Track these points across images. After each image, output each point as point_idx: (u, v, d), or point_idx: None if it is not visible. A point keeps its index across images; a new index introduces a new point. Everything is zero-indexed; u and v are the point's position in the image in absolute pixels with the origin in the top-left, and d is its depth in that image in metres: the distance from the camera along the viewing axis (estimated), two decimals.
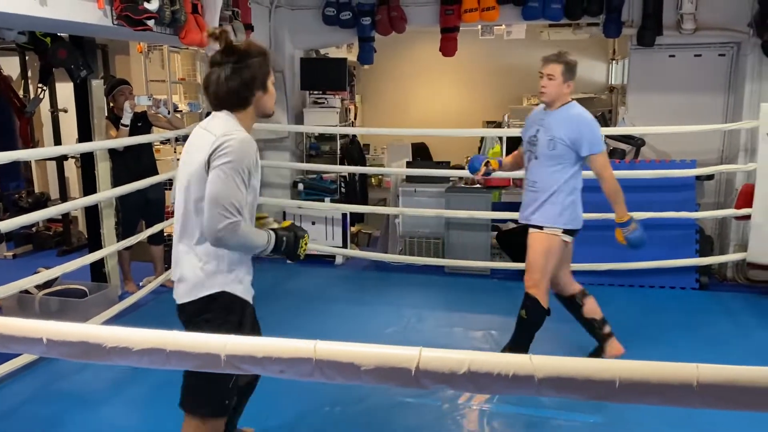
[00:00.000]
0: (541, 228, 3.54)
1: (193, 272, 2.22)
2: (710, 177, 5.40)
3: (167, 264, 5.43)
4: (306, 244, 2.36)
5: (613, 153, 5.52)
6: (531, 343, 3.61)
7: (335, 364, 1.05)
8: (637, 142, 5.46)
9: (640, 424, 3.12)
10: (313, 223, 5.95)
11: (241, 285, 2.29)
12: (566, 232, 3.53)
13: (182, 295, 2.27)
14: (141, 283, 5.18)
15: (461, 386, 1.01)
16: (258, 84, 2.19)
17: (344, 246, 6.00)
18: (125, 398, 3.49)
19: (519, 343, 3.65)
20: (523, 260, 5.40)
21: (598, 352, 3.73)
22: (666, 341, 4.17)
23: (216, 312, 2.24)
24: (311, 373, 1.07)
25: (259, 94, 2.20)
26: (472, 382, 0.99)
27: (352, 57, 6.96)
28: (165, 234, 5.56)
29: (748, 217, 4.94)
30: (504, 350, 3.77)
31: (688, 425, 3.08)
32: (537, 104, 7.81)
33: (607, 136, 5.62)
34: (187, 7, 4.28)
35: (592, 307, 3.75)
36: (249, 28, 5.31)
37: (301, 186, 6.10)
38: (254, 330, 2.50)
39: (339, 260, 6.07)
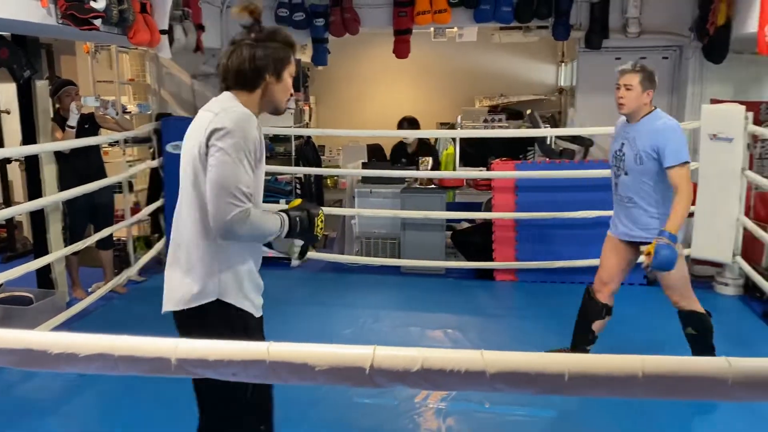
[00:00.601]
0: (639, 242, 3.41)
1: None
2: None
3: (116, 269, 5.31)
4: (322, 222, 2.13)
5: (563, 153, 5.64)
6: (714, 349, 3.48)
7: (289, 365, 1.05)
8: (586, 143, 5.60)
9: (590, 417, 3.19)
10: None
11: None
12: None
13: (180, 299, 2.05)
14: (90, 290, 5.04)
15: (415, 384, 1.02)
16: (271, 68, 1.98)
17: None
18: (73, 408, 3.39)
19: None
20: (477, 259, 5.55)
21: (562, 350, 3.72)
22: (615, 335, 4.27)
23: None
24: (265, 375, 1.06)
25: (270, 79, 2.00)
26: (426, 380, 1.00)
27: (306, 58, 6.93)
28: (114, 238, 5.43)
29: (691, 214, 5.11)
30: None
31: (634, 417, 3.16)
32: (495, 106, 7.92)
33: (557, 137, 5.76)
34: (135, 6, 4.20)
35: (601, 325, 3.67)
36: (200, 28, 5.24)
37: None
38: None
39: (295, 262, 6.02)
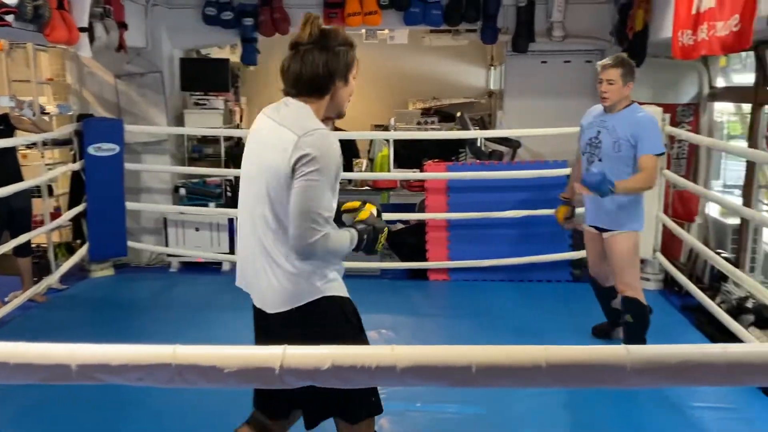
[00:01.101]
0: (619, 231, 3.60)
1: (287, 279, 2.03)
2: None
3: (36, 277, 5.07)
4: (384, 239, 2.23)
5: (492, 155, 5.75)
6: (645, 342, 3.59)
7: (196, 368, 1.02)
8: (513, 144, 5.73)
9: (519, 411, 3.26)
10: (197, 230, 5.76)
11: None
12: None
13: (271, 303, 2.08)
14: (6, 299, 4.79)
15: (326, 382, 1.01)
16: (341, 73, 2.03)
17: (231, 252, 5.84)
18: None
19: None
20: (411, 259, 5.59)
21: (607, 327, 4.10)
22: (544, 330, 4.39)
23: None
24: (171, 379, 1.02)
25: (339, 84, 2.05)
26: (337, 377, 1.00)
27: (236, 58, 6.81)
28: (33, 245, 5.18)
29: None
30: None
31: (560, 411, 3.25)
32: (428, 108, 7.96)
33: (486, 139, 5.87)
34: (52, 2, 4.01)
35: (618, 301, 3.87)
36: (122, 26, 5.07)
37: (183, 191, 5.87)
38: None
39: (226, 267, 5.91)
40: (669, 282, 5.23)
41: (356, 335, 2.19)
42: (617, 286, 3.71)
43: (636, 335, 3.63)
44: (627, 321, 3.67)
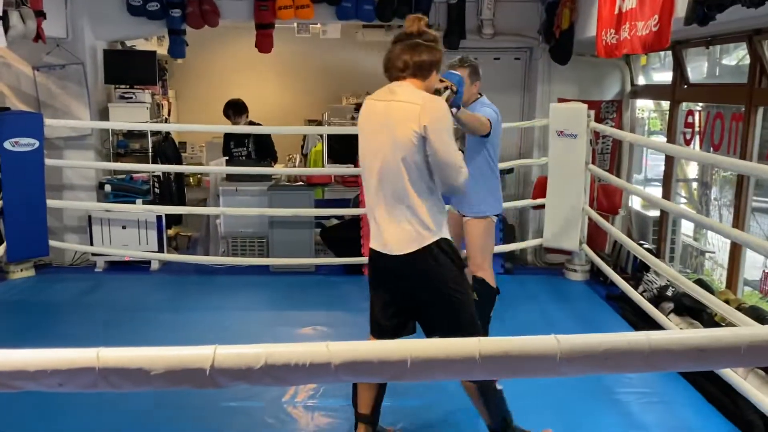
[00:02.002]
0: (476, 216, 3.75)
1: (415, 227, 2.46)
2: (510, 170, 5.89)
3: None
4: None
5: None
6: (489, 324, 3.77)
7: (121, 371, 0.97)
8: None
9: (453, 401, 3.30)
10: (124, 228, 5.55)
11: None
12: (495, 216, 3.82)
13: (405, 246, 2.48)
14: None
15: (259, 381, 0.99)
16: (437, 65, 2.52)
17: (160, 250, 5.67)
18: None
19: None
20: (346, 255, 5.57)
21: None
22: None
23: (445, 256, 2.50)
24: (95, 383, 0.98)
25: (434, 74, 2.53)
26: (270, 376, 0.98)
27: (163, 50, 6.60)
28: None
29: (543, 206, 5.46)
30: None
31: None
32: (361, 104, 7.98)
33: None
34: None
35: None
36: (40, 15, 4.81)
37: (108, 187, 5.64)
38: None
39: (155, 265, 5.73)
40: (594, 272, 5.43)
41: None
42: (470, 266, 3.89)
43: (481, 313, 3.76)
44: (474, 299, 3.89)
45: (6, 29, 4.36)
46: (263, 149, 6.13)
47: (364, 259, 5.50)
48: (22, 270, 5.37)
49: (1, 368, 0.98)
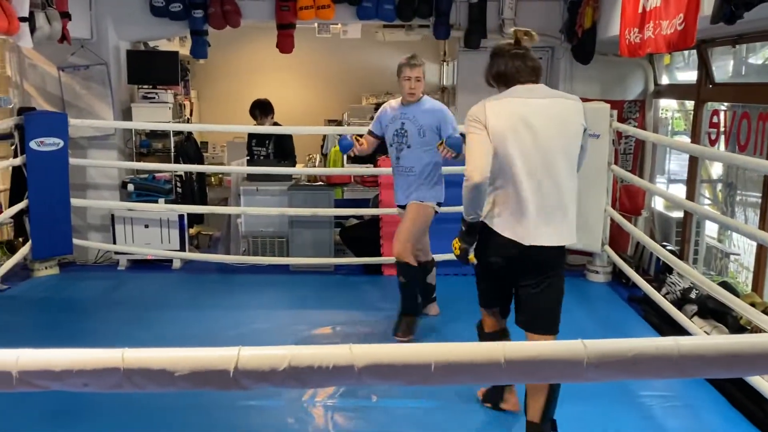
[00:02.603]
0: (421, 201, 4.10)
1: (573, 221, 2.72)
2: None
3: None
4: None
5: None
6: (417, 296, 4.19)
7: (146, 371, 0.98)
8: (466, 140, 5.76)
9: (471, 403, 3.29)
10: (147, 226, 5.61)
11: None
12: (438, 204, 4.17)
13: (566, 238, 2.71)
14: None
15: (283, 383, 0.99)
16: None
17: (182, 249, 5.72)
18: None
19: (410, 307, 4.18)
20: (365, 255, 5.57)
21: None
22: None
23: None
24: (120, 384, 0.98)
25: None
26: (294, 378, 0.97)
27: (185, 51, 6.66)
28: None
29: None
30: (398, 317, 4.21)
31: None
32: (381, 104, 7.99)
33: None
34: None
35: (433, 275, 4.53)
36: (66, 16, 4.89)
37: (131, 186, 5.71)
38: None
39: (177, 264, 5.78)
40: (617, 274, 5.36)
41: None
42: (396, 246, 4.11)
43: (410, 294, 4.17)
44: (400, 282, 4.16)
45: (32, 30, 4.43)
46: (282, 151, 6.15)
47: (383, 259, 5.50)
48: (46, 268, 5.45)
49: (27, 368, 0.99)
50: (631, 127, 5.28)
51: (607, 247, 5.22)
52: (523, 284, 2.79)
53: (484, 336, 3.02)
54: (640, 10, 4.02)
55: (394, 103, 4.21)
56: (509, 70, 2.75)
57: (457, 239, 2.89)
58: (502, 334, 2.97)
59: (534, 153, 2.61)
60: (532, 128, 2.62)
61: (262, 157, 6.14)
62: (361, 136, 4.26)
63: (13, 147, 5.42)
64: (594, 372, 0.92)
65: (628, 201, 5.39)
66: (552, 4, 5.71)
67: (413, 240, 4.13)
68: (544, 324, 2.78)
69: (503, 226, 2.67)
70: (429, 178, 4.11)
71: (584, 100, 5.42)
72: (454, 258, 2.95)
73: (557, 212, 2.65)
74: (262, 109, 6.08)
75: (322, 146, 7.17)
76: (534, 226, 2.63)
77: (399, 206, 4.29)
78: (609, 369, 0.93)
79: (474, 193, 2.64)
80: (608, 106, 5.08)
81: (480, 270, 2.90)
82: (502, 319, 3.00)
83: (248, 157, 6.17)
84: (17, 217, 5.38)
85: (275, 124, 6.18)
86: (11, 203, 5.34)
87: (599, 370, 0.92)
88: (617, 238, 5.41)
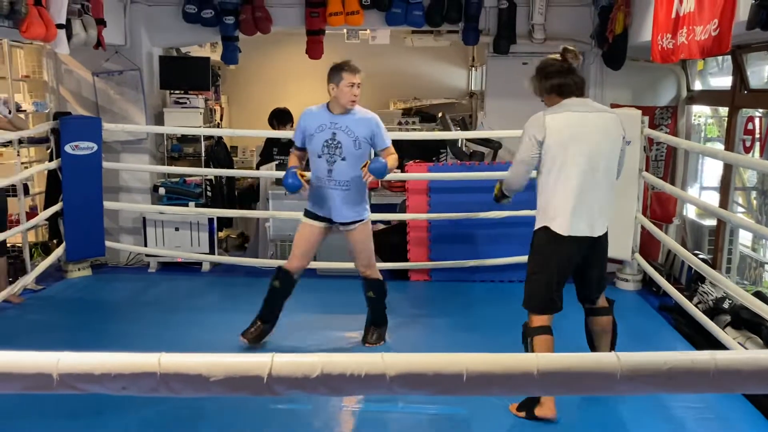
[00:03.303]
0: (362, 221, 3.93)
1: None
2: None
3: (11, 277, 4.98)
4: None
5: (473, 156, 5.77)
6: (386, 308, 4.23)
7: (182, 376, 1.00)
8: (494, 145, 5.75)
9: (499, 410, 3.27)
10: (177, 229, 5.69)
11: None
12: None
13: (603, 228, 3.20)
14: None
15: (315, 390, 1.00)
16: None
17: (211, 252, 5.80)
18: None
19: (380, 318, 4.24)
20: (392, 259, 5.58)
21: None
22: (515, 334, 4.40)
23: None
24: (156, 387, 1.00)
25: None
26: (326, 385, 0.98)
27: (216, 56, 6.75)
28: (9, 245, 5.09)
29: None
30: (368, 328, 4.24)
31: None
32: (409, 109, 7.92)
33: (467, 140, 5.89)
34: None
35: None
36: (101, 23, 5.00)
37: (162, 190, 5.80)
38: None
39: (206, 267, 5.85)
40: (647, 282, 5.29)
41: None
42: (363, 270, 4.11)
43: (380, 308, 4.22)
44: (370, 296, 4.15)
45: (69, 37, 4.53)
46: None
47: (410, 264, 5.50)
48: (79, 269, 5.56)
49: (68, 370, 1.02)
50: (662, 134, 5.21)
51: (638, 255, 5.15)
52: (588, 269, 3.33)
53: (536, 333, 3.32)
54: (673, 16, 3.97)
55: (316, 109, 3.91)
56: (565, 85, 3.14)
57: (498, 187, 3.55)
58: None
59: (589, 160, 3.05)
60: (588, 139, 3.06)
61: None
62: (301, 167, 3.95)
63: (49, 151, 5.55)
64: (627, 385, 0.91)
65: (659, 208, 5.32)
66: (582, 9, 5.66)
67: (373, 257, 4.12)
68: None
69: (561, 222, 3.10)
70: (362, 190, 3.88)
71: (615, 106, 5.43)
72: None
73: (601, 209, 3.16)
74: (279, 118, 6.16)
75: None
76: (598, 215, 3.16)
77: (318, 218, 3.95)
78: (643, 382, 0.92)
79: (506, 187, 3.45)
80: (639, 112, 5.02)
81: (534, 272, 3.27)
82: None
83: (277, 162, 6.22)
84: (52, 219, 5.50)
85: None
86: (46, 206, 5.47)
87: (633, 384, 0.91)
88: (648, 245, 5.33)
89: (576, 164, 3.04)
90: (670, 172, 5.67)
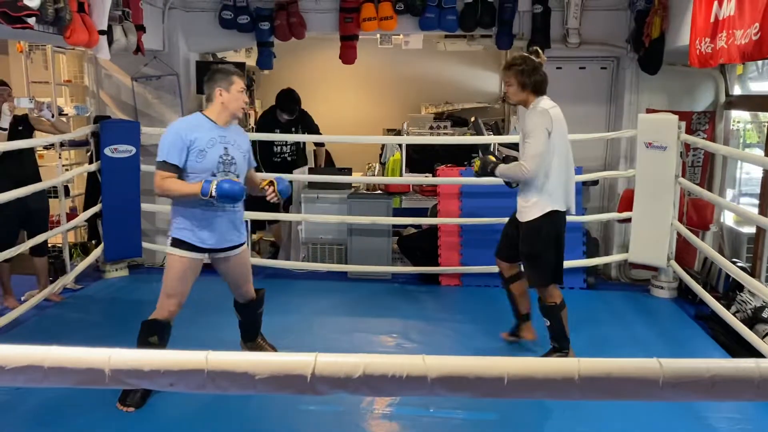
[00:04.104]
0: (243, 244, 3.53)
1: None
2: (595, 182, 5.75)
3: (51, 276, 5.11)
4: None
5: (506, 160, 5.72)
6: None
7: (228, 374, 1.03)
8: None
9: (530, 417, 3.25)
10: None
11: None
12: None
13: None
14: (23, 298, 4.84)
15: (357, 390, 1.02)
16: None
17: None
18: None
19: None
20: (423, 264, 5.59)
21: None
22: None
23: None
24: (203, 384, 1.03)
25: None
26: (368, 386, 1.00)
27: (251, 61, 6.84)
28: (50, 245, 5.22)
29: (629, 220, 5.29)
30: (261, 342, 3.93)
31: (570, 417, 3.24)
32: (441, 113, 7.91)
33: (500, 145, 5.86)
34: (72, 5, 4.06)
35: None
36: (141, 29, 5.11)
37: None
38: None
39: None
40: (683, 290, 5.20)
41: None
42: (247, 290, 3.71)
43: (256, 325, 3.86)
44: (261, 312, 3.88)
45: (110, 43, 4.65)
46: (311, 132, 6.26)
47: (441, 269, 5.50)
48: (117, 270, 5.68)
49: (119, 366, 1.05)
50: (699, 139, 5.12)
51: (673, 262, 5.07)
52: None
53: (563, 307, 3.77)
54: (712, 20, 3.90)
55: (195, 120, 3.31)
56: (545, 82, 3.62)
57: (480, 162, 3.86)
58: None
59: (569, 150, 3.69)
60: (566, 130, 3.68)
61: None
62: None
63: (89, 153, 5.69)
64: (670, 392, 0.91)
65: (696, 215, 5.23)
66: (618, 13, 5.60)
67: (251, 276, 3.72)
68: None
69: (561, 202, 3.65)
70: (241, 214, 3.46)
71: (650, 111, 5.36)
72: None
73: (572, 190, 3.75)
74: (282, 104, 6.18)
75: (380, 155, 7.23)
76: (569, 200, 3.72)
77: (201, 250, 3.33)
78: (685, 389, 0.92)
79: (521, 179, 3.67)
80: (676, 117, 4.95)
81: (539, 254, 3.69)
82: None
83: (311, 167, 6.29)
84: (91, 221, 5.63)
85: (303, 116, 6.27)
86: (86, 207, 5.60)
87: (675, 391, 0.91)
88: (684, 253, 5.25)
89: (564, 153, 3.61)
90: (707, 179, 5.57)
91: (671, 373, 0.92)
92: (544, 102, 3.61)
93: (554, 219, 3.64)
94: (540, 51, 3.66)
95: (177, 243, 3.29)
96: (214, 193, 3.08)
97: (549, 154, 3.54)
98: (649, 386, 0.92)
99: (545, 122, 3.51)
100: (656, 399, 0.95)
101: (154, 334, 3.31)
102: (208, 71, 3.41)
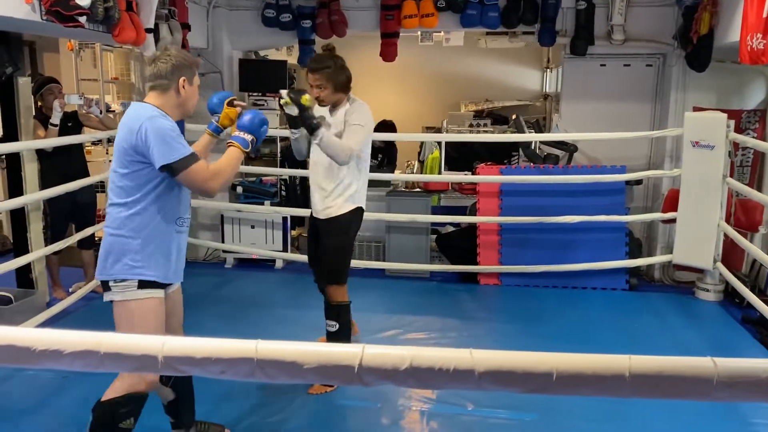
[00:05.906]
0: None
1: None
2: (639, 182, 5.64)
3: None
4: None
5: (547, 158, 5.68)
6: None
7: (277, 363, 1.04)
8: (570, 148, 5.64)
9: (571, 419, 3.21)
10: (253, 227, 5.87)
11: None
12: None
13: None
14: (71, 289, 4.98)
15: (403, 382, 1.02)
16: None
17: (285, 250, 5.94)
18: (54, 410, 3.34)
19: None
20: (461, 262, 5.57)
21: None
22: (597, 339, 4.31)
23: None
24: (252, 372, 1.05)
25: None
26: (414, 378, 1.01)
27: (293, 59, 6.91)
28: (96, 238, 5.36)
29: (673, 220, 5.18)
30: None
31: (613, 420, 3.19)
32: (481, 111, 7.88)
33: (541, 142, 5.81)
34: (121, 4, 4.16)
35: None
36: (186, 27, 5.21)
37: (239, 189, 6.00)
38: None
39: (279, 264, 6.00)
40: (729, 293, 5.07)
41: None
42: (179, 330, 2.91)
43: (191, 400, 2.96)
44: None
45: (156, 40, 4.75)
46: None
47: (480, 268, 5.47)
48: None
49: (172, 353, 1.08)
50: (749, 138, 4.97)
51: (720, 264, 4.94)
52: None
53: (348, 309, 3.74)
54: (764, 15, 3.79)
55: (157, 113, 2.46)
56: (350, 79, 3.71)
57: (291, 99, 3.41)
58: None
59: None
60: None
61: None
62: None
63: None
64: (725, 391, 0.89)
65: (744, 216, 5.08)
66: (665, 9, 5.48)
67: None
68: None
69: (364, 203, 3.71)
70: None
71: (698, 109, 5.24)
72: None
73: None
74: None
75: (419, 153, 7.23)
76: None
77: (164, 285, 2.62)
78: (741, 389, 0.90)
79: (338, 160, 3.38)
80: (725, 116, 4.82)
81: (348, 248, 3.66)
82: None
83: None
84: None
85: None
86: None
87: (730, 390, 0.89)
88: (730, 255, 5.11)
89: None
90: (756, 179, 5.41)
91: (726, 372, 0.90)
92: (359, 99, 3.67)
93: (358, 217, 3.67)
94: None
95: (142, 283, 2.51)
96: (254, 136, 2.71)
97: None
98: (702, 385, 0.91)
99: (371, 121, 3.60)
100: (709, 399, 0.94)
101: (132, 416, 2.48)
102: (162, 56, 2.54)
